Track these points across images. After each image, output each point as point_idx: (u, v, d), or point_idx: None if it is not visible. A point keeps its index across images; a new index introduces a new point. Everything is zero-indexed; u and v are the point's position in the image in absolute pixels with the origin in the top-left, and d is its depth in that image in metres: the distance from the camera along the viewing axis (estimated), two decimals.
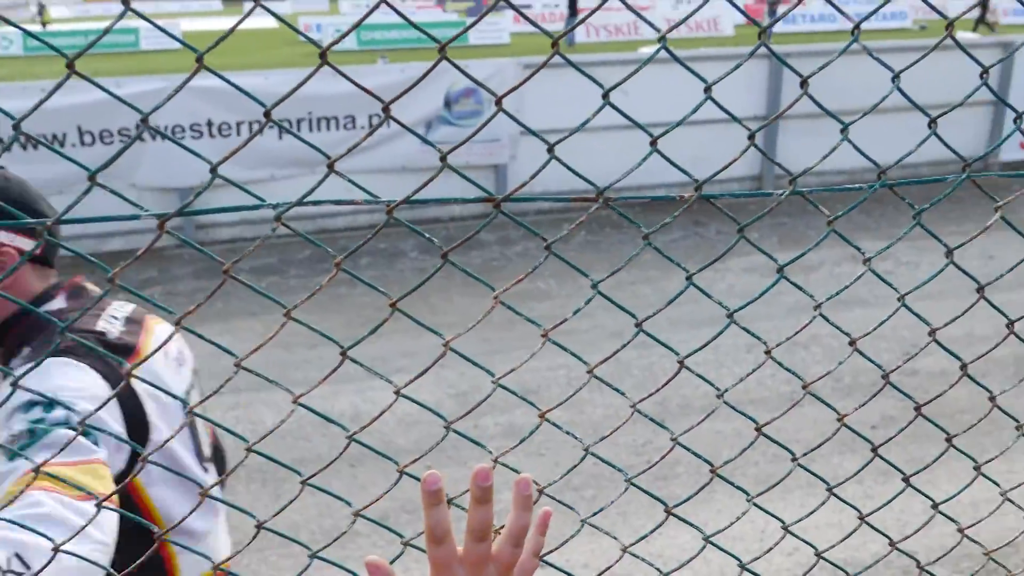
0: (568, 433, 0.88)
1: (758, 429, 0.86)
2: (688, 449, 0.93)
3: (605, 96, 0.71)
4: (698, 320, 5.55)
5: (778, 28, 23.92)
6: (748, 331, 0.81)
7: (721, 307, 0.77)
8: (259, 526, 0.83)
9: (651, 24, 0.77)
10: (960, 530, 1.07)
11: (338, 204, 0.77)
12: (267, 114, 0.70)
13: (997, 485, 1.24)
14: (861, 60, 9.24)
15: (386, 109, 0.73)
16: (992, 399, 0.94)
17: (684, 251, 7.12)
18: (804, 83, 0.70)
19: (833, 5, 0.74)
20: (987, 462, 1.08)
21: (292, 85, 0.72)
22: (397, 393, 0.81)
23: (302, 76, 0.73)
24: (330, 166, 0.75)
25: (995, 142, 8.96)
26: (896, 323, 5.71)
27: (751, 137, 0.77)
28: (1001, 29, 24.36)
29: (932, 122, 0.78)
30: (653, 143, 0.72)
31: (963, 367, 0.95)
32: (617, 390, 0.88)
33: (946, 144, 0.83)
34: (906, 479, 1.02)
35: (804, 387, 0.93)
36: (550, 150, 0.77)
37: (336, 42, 0.72)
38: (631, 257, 0.88)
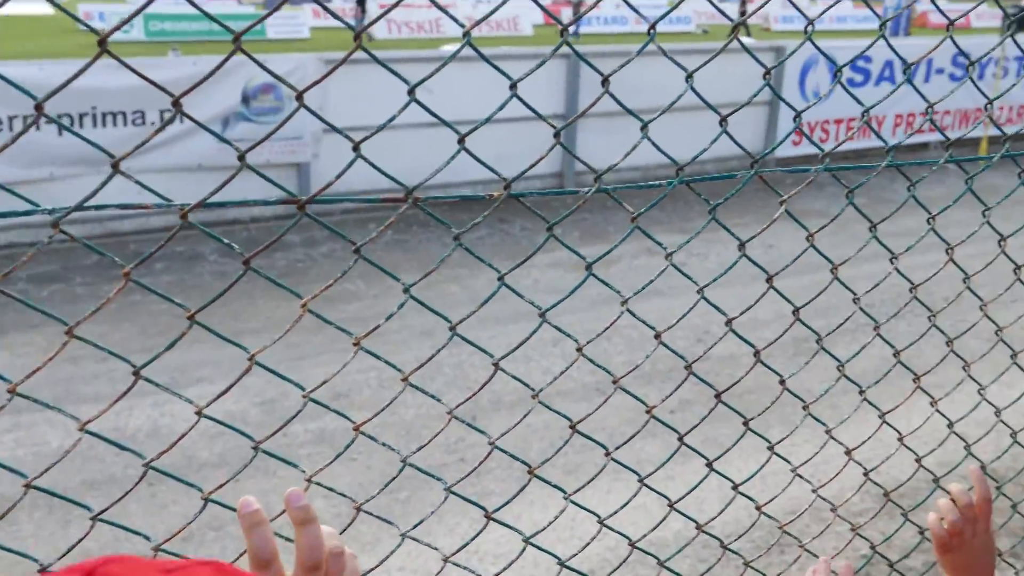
0: (384, 444, 0.86)
1: (572, 427, 0.88)
2: (504, 451, 0.93)
3: (411, 93, 0.70)
4: (506, 317, 5.65)
5: (573, 30, 24.85)
6: (558, 328, 0.83)
7: (533, 306, 0.78)
8: (42, 572, 0.75)
9: (455, 20, 0.77)
10: (758, 507, 1.14)
11: (124, 208, 0.72)
12: (38, 107, 0.63)
13: (788, 462, 1.34)
14: (653, 61, 9.69)
15: (176, 104, 0.68)
16: (782, 382, 1.01)
17: (490, 248, 7.23)
18: (605, 81, 0.72)
19: (630, 6, 0.76)
20: (779, 442, 1.16)
21: (70, 76, 0.66)
22: (199, 413, 0.76)
23: (82, 67, 0.67)
24: (114, 165, 0.69)
25: (770, 139, 9.74)
26: (685, 307, 6.04)
27: (557, 135, 0.78)
28: (770, 35, 26.49)
29: (723, 120, 0.83)
30: (461, 141, 0.72)
31: (756, 353, 1.01)
32: (431, 396, 0.87)
33: (736, 142, 0.89)
34: (709, 464, 1.08)
35: (615, 381, 0.96)
36: (355, 148, 0.75)
37: (116, 29, 0.66)
38: (442, 259, 0.87)
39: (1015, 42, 1.11)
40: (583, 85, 8.58)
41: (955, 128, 10.65)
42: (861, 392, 1.10)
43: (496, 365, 0.81)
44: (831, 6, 0.95)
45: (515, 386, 4.80)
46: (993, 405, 1.27)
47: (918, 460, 1.31)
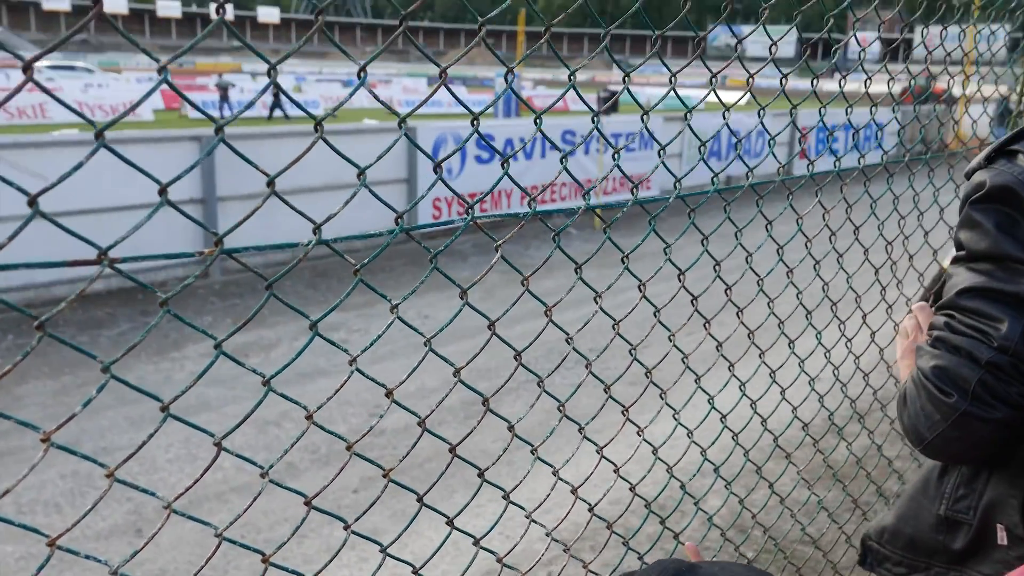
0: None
1: (218, 535, 0.82)
2: None
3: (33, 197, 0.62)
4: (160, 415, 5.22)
5: (197, 114, 24.34)
6: (191, 424, 0.77)
7: (229, 391, 0.72)
8: None
9: (69, 107, 0.69)
10: None
11: None
12: None
13: (469, 535, 1.36)
14: (293, 141, 9.61)
15: None
16: (452, 449, 1.03)
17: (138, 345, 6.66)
18: (270, 183, 0.70)
19: (285, 94, 0.75)
20: (457, 514, 1.18)
21: None
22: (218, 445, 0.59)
23: None
24: None
25: (411, 212, 10.13)
26: (358, 387, 5.98)
27: (218, 243, 0.73)
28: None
29: (401, 120, 0.83)
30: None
31: (421, 423, 1.02)
32: (33, 528, 0.76)
33: (386, 205, 0.90)
34: (383, 550, 1.07)
35: (262, 475, 0.90)
36: (31, 203, 0.64)
37: None
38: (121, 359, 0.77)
39: (599, 131, 1.27)
40: (218, 167, 8.32)
41: (572, 198, 11.90)
42: (533, 451, 1.16)
43: (219, 445, 0.73)
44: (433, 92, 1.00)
45: (182, 487, 4.42)
46: (650, 444, 1.41)
47: (591, 509, 1.41)
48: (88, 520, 4.12)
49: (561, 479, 1.21)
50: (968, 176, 1.34)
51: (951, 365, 1.23)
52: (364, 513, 1.15)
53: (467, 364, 1.02)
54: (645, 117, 1.17)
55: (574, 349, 1.16)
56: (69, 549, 0.77)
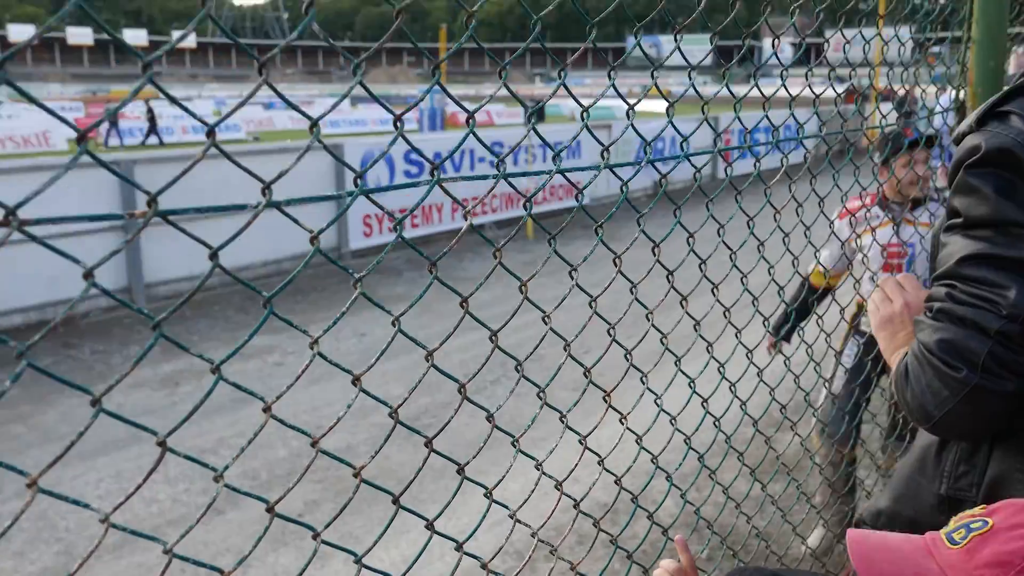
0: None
1: (169, 551, 0.80)
2: None
3: None
4: (90, 450, 5.05)
5: (113, 140, 24.01)
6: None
7: (162, 423, 0.70)
8: None
9: None
10: None
11: None
12: None
13: (425, 517, 1.35)
14: (214, 164, 9.47)
15: None
16: (428, 443, 1.02)
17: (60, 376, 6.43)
18: (209, 142, 0.68)
19: (192, 113, 0.74)
20: (436, 517, 1.17)
21: None
22: None
23: None
24: None
25: (342, 232, 10.04)
26: (296, 409, 5.87)
27: (151, 204, 0.72)
28: (327, 137, 27.63)
29: (314, 123, 0.82)
30: None
31: (426, 438, 1.01)
32: None
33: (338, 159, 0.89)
34: (358, 560, 1.05)
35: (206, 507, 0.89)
36: None
37: None
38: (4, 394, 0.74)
39: (537, 133, 1.28)
40: (140, 194, 8.10)
41: (503, 209, 11.94)
42: (459, 470, 1.16)
43: (106, 521, 0.71)
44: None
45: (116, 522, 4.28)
46: (595, 453, 1.42)
47: (576, 505, 1.41)
48: (15, 564, 3.96)
49: (496, 502, 1.21)
50: (958, 141, 1.28)
51: (957, 338, 1.16)
52: (325, 527, 1.13)
53: (415, 387, 1.01)
54: (585, 115, 1.18)
55: (519, 364, 1.17)
56: None
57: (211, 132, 0.69)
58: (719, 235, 1.53)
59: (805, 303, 3.62)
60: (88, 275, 0.61)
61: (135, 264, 8.19)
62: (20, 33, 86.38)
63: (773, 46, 1.57)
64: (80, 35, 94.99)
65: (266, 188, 0.76)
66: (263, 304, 0.77)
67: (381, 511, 4.24)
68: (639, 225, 1.32)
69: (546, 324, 1.14)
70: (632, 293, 1.35)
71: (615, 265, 1.28)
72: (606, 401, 1.26)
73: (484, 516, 1.41)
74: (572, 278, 1.14)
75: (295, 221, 0.82)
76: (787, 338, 3.57)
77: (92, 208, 7.74)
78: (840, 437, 3.41)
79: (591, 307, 1.19)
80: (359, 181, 0.90)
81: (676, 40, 1.32)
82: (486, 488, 1.24)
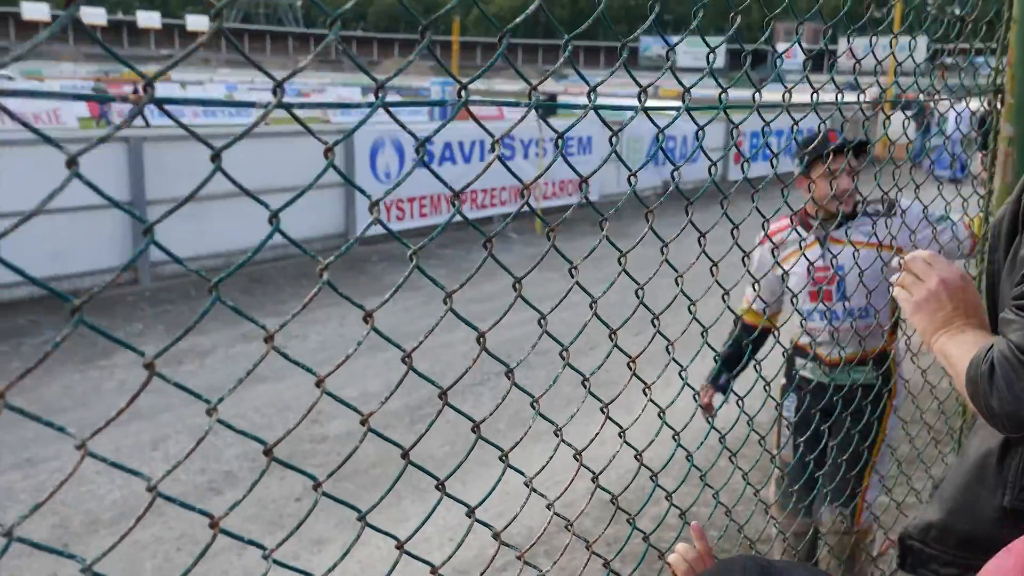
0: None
1: (214, 524, 0.81)
2: None
3: None
4: (89, 425, 5.07)
5: (140, 122, 24.04)
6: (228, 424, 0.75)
7: (164, 399, 0.71)
8: None
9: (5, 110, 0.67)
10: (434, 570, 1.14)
11: None
12: None
13: (396, 537, 1.36)
14: (215, 144, 9.47)
15: None
16: (405, 455, 1.03)
17: (62, 352, 6.46)
18: (216, 156, 0.69)
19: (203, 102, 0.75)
20: (408, 537, 1.18)
21: None
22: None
23: None
24: None
25: (350, 218, 10.05)
26: (298, 392, 5.90)
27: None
28: (331, 126, 27.59)
29: (329, 149, 0.83)
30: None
31: (363, 421, 1.02)
32: (55, 549, 0.75)
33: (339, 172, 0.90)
34: (400, 545, 1.06)
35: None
36: None
37: None
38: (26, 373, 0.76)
39: (549, 125, 1.28)
40: (148, 171, 8.12)
41: (512, 202, 11.93)
42: (439, 485, 1.17)
43: (153, 490, 0.72)
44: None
45: (112, 500, 4.32)
46: (589, 469, 1.43)
47: (496, 536, 1.42)
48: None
49: (467, 506, 1.22)
50: None
51: None
52: (283, 541, 1.14)
53: (453, 385, 1.02)
54: (614, 140, 1.17)
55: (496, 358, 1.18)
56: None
57: (216, 156, 0.69)
58: (733, 236, 1.54)
59: (740, 346, 3.06)
60: (73, 168, 0.62)
61: (140, 241, 8.21)
62: (33, 11, 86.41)
63: (775, 51, 1.57)
64: (94, 15, 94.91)
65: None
66: (318, 272, 0.78)
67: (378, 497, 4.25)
68: (647, 220, 1.33)
69: (541, 326, 1.15)
70: (638, 296, 1.36)
71: (619, 264, 1.29)
72: (603, 412, 1.27)
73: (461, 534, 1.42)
74: (572, 276, 1.15)
75: (305, 127, 0.82)
76: (724, 389, 3.14)
77: (102, 183, 7.74)
78: (799, 510, 2.80)
79: (591, 307, 1.20)
80: (374, 209, 0.90)
81: (670, 46, 1.32)
82: (468, 506, 1.25)
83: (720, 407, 2.26)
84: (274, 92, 0.69)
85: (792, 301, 2.66)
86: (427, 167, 0.91)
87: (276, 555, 0.93)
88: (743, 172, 1.60)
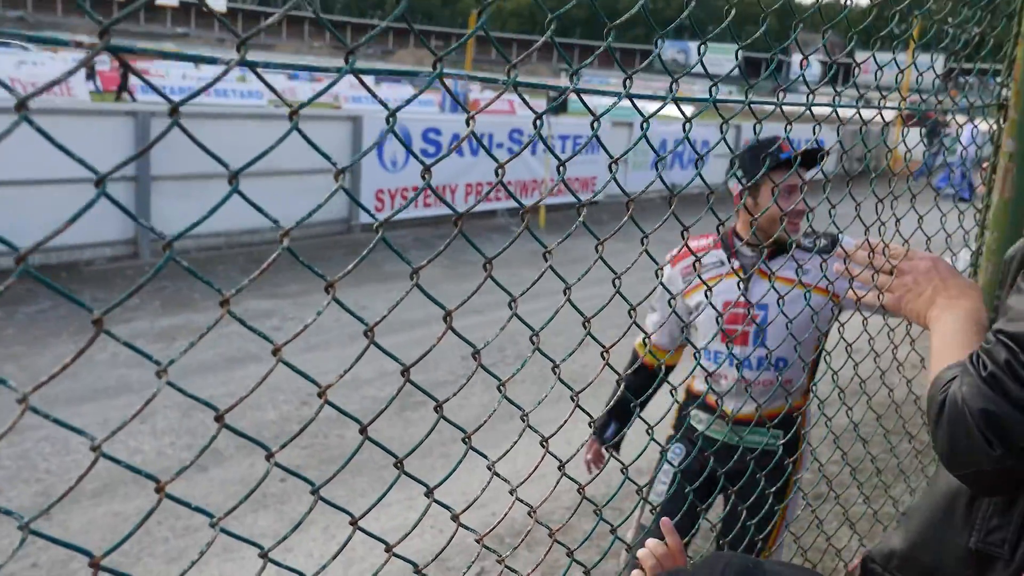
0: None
1: (160, 489, 0.80)
2: (71, 546, 0.82)
3: None
4: (77, 396, 5.07)
5: (139, 96, 24.12)
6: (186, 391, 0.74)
7: (153, 374, 0.70)
8: None
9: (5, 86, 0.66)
10: (388, 549, 1.14)
11: None
12: None
13: (351, 513, 1.35)
14: (227, 125, 9.43)
15: None
16: (362, 431, 1.02)
17: (56, 321, 6.46)
18: (174, 111, 0.68)
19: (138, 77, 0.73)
20: (369, 509, 1.17)
21: None
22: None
23: None
24: None
25: (353, 205, 10.03)
26: (289, 373, 5.91)
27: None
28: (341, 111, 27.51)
29: (340, 173, 0.82)
30: None
31: (362, 426, 1.01)
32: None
33: (349, 193, 0.89)
34: (354, 522, 1.06)
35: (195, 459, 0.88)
36: None
37: None
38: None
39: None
40: (154, 148, 8.09)
41: (520, 195, 11.90)
42: (466, 439, 1.16)
43: (97, 449, 0.71)
44: (417, 94, 0.99)
45: (95, 472, 4.30)
46: (556, 457, 1.42)
47: (532, 510, 1.42)
48: None
49: (498, 474, 1.21)
50: None
51: (1005, 416, 1.07)
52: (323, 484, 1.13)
53: (417, 362, 1.01)
54: (595, 124, 1.16)
55: (468, 356, 1.16)
56: None
57: (174, 110, 0.68)
58: (682, 237, 1.53)
59: (635, 392, 2.40)
60: (99, 183, 0.61)
61: (143, 216, 8.19)
62: None
63: (801, 65, 1.56)
64: None
65: (295, 117, 0.76)
66: (280, 237, 0.77)
67: (364, 482, 4.25)
68: (670, 205, 1.32)
69: (511, 309, 1.14)
70: (615, 286, 1.35)
71: (596, 251, 1.28)
72: (573, 401, 1.26)
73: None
74: (546, 260, 1.13)
75: (273, 90, 0.81)
76: (615, 443, 2.72)
77: (107, 157, 7.73)
78: None
79: (564, 293, 1.19)
80: (379, 229, 0.89)
81: (699, 52, 1.31)
82: (427, 486, 1.24)
83: (607, 463, 2.17)
84: (238, 48, 0.68)
85: (693, 337, 2.41)
86: (396, 136, 0.90)
87: (257, 536, 0.92)
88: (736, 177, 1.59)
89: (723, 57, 1.43)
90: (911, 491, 3.38)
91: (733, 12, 1.35)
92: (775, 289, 1.84)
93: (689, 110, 1.45)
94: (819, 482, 3.67)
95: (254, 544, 0.97)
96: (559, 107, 16.89)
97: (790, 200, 2.32)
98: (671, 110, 1.37)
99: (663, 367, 2.39)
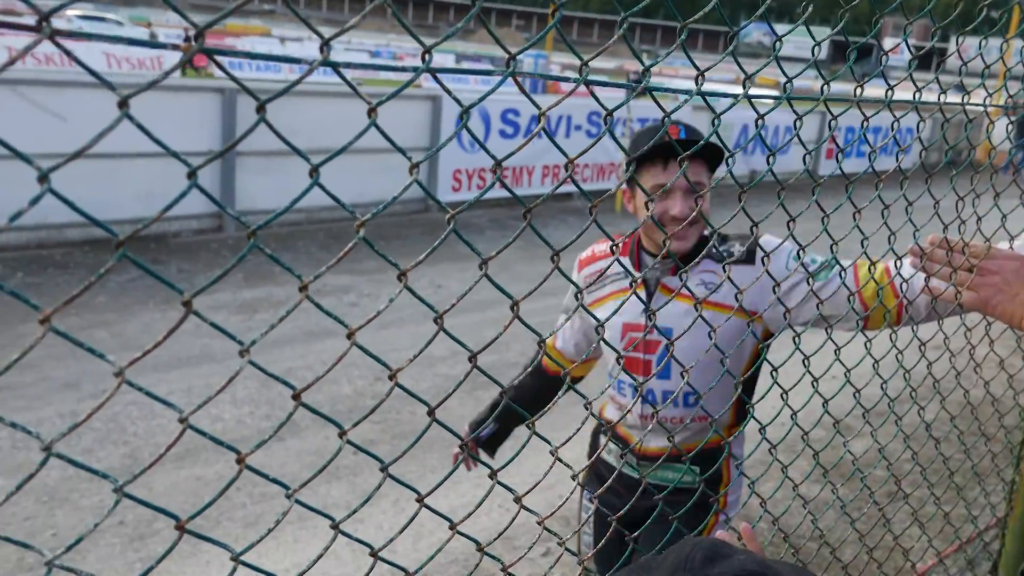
0: (30, 547, 0.74)
1: (240, 461, 0.83)
2: (159, 510, 0.86)
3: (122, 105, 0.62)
4: (164, 363, 5.26)
5: (216, 70, 24.53)
6: (260, 368, 0.77)
7: (236, 344, 0.73)
8: None
9: (88, 68, 0.69)
10: (452, 527, 1.16)
11: None
12: None
13: (416, 490, 1.37)
14: (313, 103, 9.55)
15: None
16: (430, 413, 1.03)
17: (143, 291, 6.70)
18: (261, 108, 0.70)
19: (288, 59, 0.75)
20: (438, 485, 1.19)
21: None
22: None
23: None
24: None
25: (432, 185, 10.12)
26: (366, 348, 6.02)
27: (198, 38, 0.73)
28: (424, 90, 27.66)
29: (414, 167, 0.84)
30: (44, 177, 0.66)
31: (430, 408, 1.02)
32: (93, 469, 0.77)
33: (421, 186, 0.90)
34: (420, 499, 1.08)
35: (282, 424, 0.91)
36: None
37: None
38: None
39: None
40: (240, 123, 8.30)
41: (593, 180, 11.85)
42: (529, 424, 1.16)
43: (185, 421, 0.74)
44: (502, 80, 0.99)
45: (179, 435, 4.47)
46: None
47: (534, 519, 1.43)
48: (83, 460, 4.16)
49: (558, 461, 1.22)
50: None
51: None
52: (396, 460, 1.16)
53: (483, 349, 1.02)
54: (700, 78, 1.13)
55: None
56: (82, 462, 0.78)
57: (261, 107, 0.70)
58: (823, 223, 1.49)
59: (527, 395, 2.26)
60: (191, 175, 0.63)
61: (228, 191, 8.42)
62: None
63: (883, 49, 1.51)
64: None
65: (372, 110, 0.77)
66: (356, 227, 0.78)
67: (435, 459, 4.32)
68: (740, 201, 1.30)
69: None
70: (725, 271, 1.33)
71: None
72: (683, 376, 1.25)
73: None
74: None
75: (350, 84, 0.82)
76: (490, 448, 2.35)
77: (195, 133, 7.97)
78: None
79: (681, 279, 1.18)
80: (451, 221, 0.90)
81: (774, 42, 1.28)
82: (491, 468, 1.25)
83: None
84: (321, 49, 0.70)
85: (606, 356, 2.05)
86: (471, 133, 0.90)
87: (329, 507, 0.95)
88: (838, 161, 1.54)
89: (810, 40, 1.39)
90: (986, 494, 3.27)
91: None
92: (680, 309, 1.60)
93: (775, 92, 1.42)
94: (887, 480, 3.58)
95: (326, 516, 0.99)
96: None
97: (669, 202, 1.92)
98: (757, 93, 1.35)
99: (568, 377, 2.11)
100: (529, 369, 2.24)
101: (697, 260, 1.47)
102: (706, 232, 2.06)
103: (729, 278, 1.45)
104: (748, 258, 1.98)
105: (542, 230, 9.96)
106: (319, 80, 10.66)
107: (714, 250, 2.00)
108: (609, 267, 1.29)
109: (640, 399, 1.72)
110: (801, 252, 1.78)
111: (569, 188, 11.71)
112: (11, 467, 4.04)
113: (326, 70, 0.73)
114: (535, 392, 2.27)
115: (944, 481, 2.80)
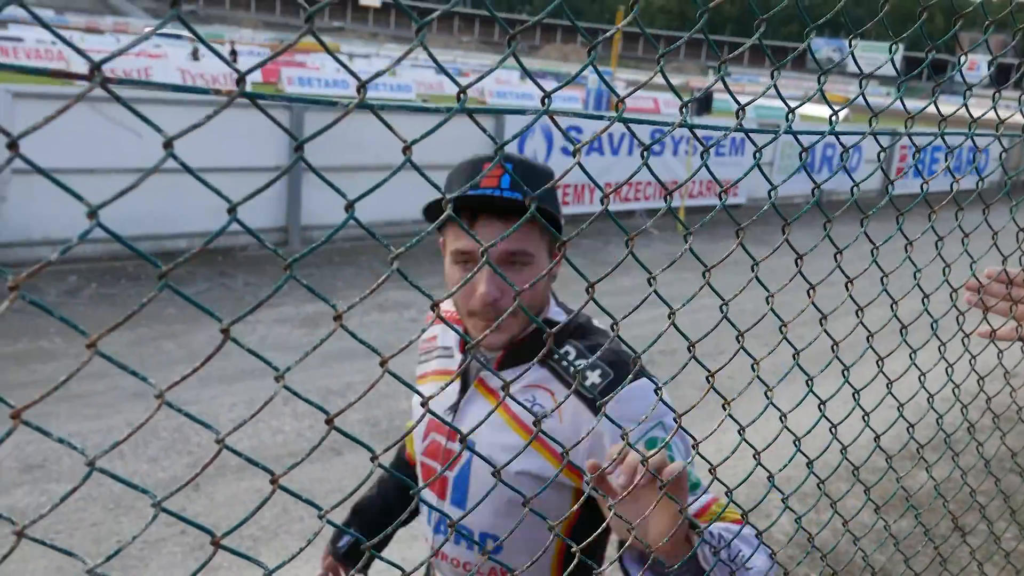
0: (72, 555, 0.74)
1: (274, 482, 0.82)
2: (192, 526, 0.86)
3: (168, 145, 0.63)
4: (229, 375, 5.36)
5: (295, 89, 25.14)
6: (293, 391, 0.77)
7: (266, 363, 0.73)
8: None
9: (167, 85, 0.70)
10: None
11: None
12: None
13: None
14: (372, 120, 9.71)
15: None
16: (462, 440, 1.02)
17: (211, 303, 6.85)
18: (299, 147, 0.70)
19: (350, 72, 0.75)
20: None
21: None
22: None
23: None
24: None
25: None
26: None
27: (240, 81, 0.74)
28: (486, 106, 27.89)
29: (447, 202, 0.83)
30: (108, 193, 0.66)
31: (462, 436, 1.00)
32: (132, 484, 0.78)
33: (458, 222, 0.90)
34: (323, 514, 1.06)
35: (331, 423, 0.90)
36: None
37: None
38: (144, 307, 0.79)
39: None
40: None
41: (657, 198, 11.77)
42: (725, 405, 1.14)
43: (221, 442, 0.74)
44: (558, 87, 0.98)
45: (243, 447, 4.54)
46: (706, 459, 1.38)
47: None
48: (148, 469, 4.26)
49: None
50: None
51: None
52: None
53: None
54: (741, 113, 1.11)
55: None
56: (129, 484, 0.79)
57: (299, 147, 0.70)
58: (872, 255, 1.45)
59: (392, 495, 1.84)
60: (231, 210, 0.64)
61: (294, 205, 8.58)
62: None
63: (960, 63, 1.46)
64: None
65: (407, 147, 0.77)
66: (389, 261, 0.78)
67: None
68: (783, 232, 1.26)
69: (670, 319, 1.11)
70: (768, 303, 1.30)
71: (752, 271, 1.24)
72: (724, 409, 1.22)
73: None
74: (704, 277, 1.10)
75: (388, 126, 0.82)
76: (353, 560, 1.84)
77: (262, 148, 8.14)
78: None
79: (721, 310, 1.15)
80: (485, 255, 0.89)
81: (851, 45, 1.25)
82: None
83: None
84: (358, 91, 0.71)
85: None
86: (525, 162, 0.89)
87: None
88: (888, 188, 1.49)
89: (882, 56, 1.34)
90: None
91: (887, 6, 1.27)
92: (494, 421, 1.19)
93: (844, 113, 1.38)
94: (944, 517, 3.45)
95: (358, 536, 0.98)
96: (704, 107, 16.53)
97: (478, 282, 1.32)
98: (818, 111, 1.31)
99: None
100: (391, 461, 1.81)
101: (523, 371, 1.05)
102: (557, 315, 1.44)
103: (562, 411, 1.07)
104: (612, 382, 1.33)
105: (603, 248, 9.93)
106: (385, 97, 10.81)
107: (554, 357, 1.36)
108: (439, 336, 0.98)
109: (433, 528, 1.37)
110: (676, 418, 1.19)
111: (631, 205, 11.65)
112: (79, 473, 4.15)
113: (393, 87, 0.73)
114: (395, 490, 1.84)
115: (1007, 518, 2.69)
